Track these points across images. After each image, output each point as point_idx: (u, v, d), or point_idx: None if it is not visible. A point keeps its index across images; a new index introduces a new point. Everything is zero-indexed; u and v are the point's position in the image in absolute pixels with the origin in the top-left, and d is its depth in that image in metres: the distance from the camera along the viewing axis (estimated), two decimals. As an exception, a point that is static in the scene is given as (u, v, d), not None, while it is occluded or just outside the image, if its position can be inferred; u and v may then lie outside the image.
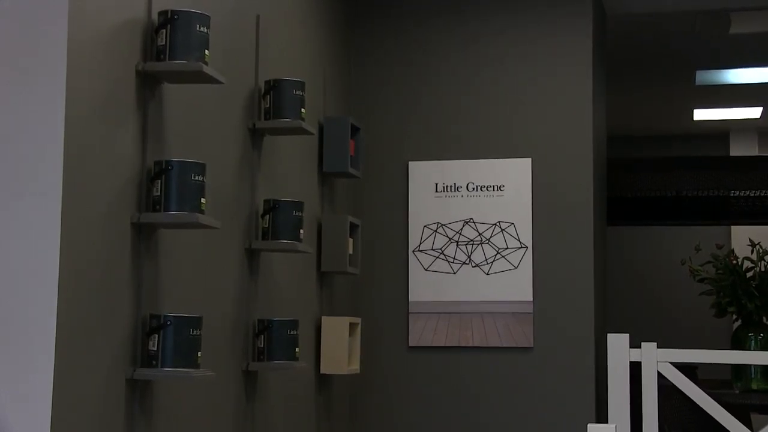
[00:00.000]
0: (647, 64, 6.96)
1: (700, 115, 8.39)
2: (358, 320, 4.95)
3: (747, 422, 5.71)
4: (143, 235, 3.23)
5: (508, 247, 5.19)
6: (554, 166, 5.21)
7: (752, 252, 5.54)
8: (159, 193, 3.17)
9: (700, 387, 5.97)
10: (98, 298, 2.98)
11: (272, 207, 4.02)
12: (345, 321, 4.74)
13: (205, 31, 3.25)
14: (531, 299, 5.13)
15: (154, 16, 3.30)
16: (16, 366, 2.74)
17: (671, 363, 5.82)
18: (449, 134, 5.36)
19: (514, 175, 5.22)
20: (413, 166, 5.34)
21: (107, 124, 3.06)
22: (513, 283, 5.15)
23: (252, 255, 4.09)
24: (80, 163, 2.91)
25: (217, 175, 3.79)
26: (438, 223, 5.28)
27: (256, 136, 4.17)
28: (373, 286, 5.35)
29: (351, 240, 4.96)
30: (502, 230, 5.21)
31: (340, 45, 5.28)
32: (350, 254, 4.95)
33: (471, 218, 5.24)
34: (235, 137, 3.96)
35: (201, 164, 3.22)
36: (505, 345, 5.11)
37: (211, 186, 3.74)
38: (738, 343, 5.47)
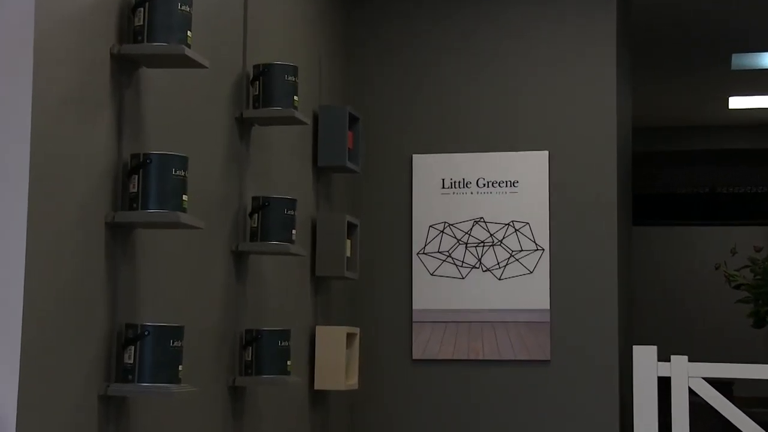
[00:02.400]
0: (677, 48, 6.94)
1: (736, 103, 8.37)
2: (357, 330, 4.96)
3: (787, 444, 5.71)
4: (119, 235, 3.24)
5: (522, 250, 5.19)
6: (574, 159, 5.21)
7: (794, 255, 5.61)
8: (136, 190, 3.17)
9: (735, 405, 5.95)
10: (68, 306, 2.97)
11: (262, 205, 4.02)
12: (342, 331, 4.75)
13: (188, 10, 3.24)
14: (548, 307, 5.13)
15: (131, -6, 3.33)
16: (-23, 381, 2.74)
17: (704, 378, 5.81)
18: (457, 124, 5.36)
19: (530, 169, 5.22)
20: (417, 159, 5.34)
21: (78, 114, 3.06)
22: (528, 290, 5.15)
23: (239, 258, 4.09)
24: (48, 157, 2.91)
25: (200, 170, 3.79)
26: (445, 222, 5.28)
27: (243, 126, 4.17)
28: (374, 293, 5.36)
29: (349, 241, 4.97)
30: (515, 231, 5.21)
31: (337, 26, 5.28)
32: (348, 257, 4.96)
33: (481, 217, 5.25)
34: (221, 128, 3.96)
35: (183, 158, 3.23)
36: (519, 358, 5.11)
37: (194, 182, 3.74)
38: (778, 356, 5.51)
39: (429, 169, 5.32)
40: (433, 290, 5.25)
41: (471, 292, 5.20)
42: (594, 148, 5.18)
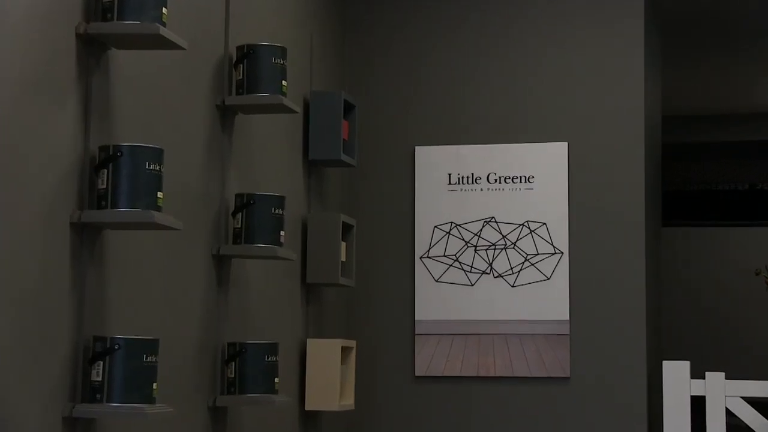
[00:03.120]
0: (713, 27, 6.92)
1: (778, 89, 8.34)
2: (353, 344, 4.97)
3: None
4: (86, 237, 3.23)
5: (538, 253, 5.19)
6: (596, 152, 5.22)
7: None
8: (105, 186, 3.17)
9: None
10: (28, 317, 2.96)
11: (246, 203, 4.03)
12: (336, 345, 4.76)
13: (163, -16, 3.27)
14: (567, 318, 5.14)
15: (99, -34, 3.32)
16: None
17: (742, 398, 5.81)
18: (466, 113, 5.37)
19: (547, 163, 5.22)
20: (421, 152, 5.35)
21: (40, 101, 3.03)
22: (545, 298, 5.15)
23: (221, 262, 4.10)
24: (6, 149, 2.90)
25: (177, 164, 3.79)
26: (452, 223, 5.29)
27: (226, 115, 4.17)
28: (372, 302, 5.37)
29: (344, 244, 4.97)
30: (531, 232, 5.22)
31: (331, 2, 5.28)
32: (343, 262, 4.96)
33: (492, 217, 5.25)
34: (200, 117, 3.96)
35: (157, 150, 3.22)
36: (535, 375, 5.13)
37: (171, 177, 3.74)
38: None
39: (434, 163, 5.33)
40: (439, 299, 5.26)
41: (481, 300, 5.21)
42: (619, 140, 5.19)
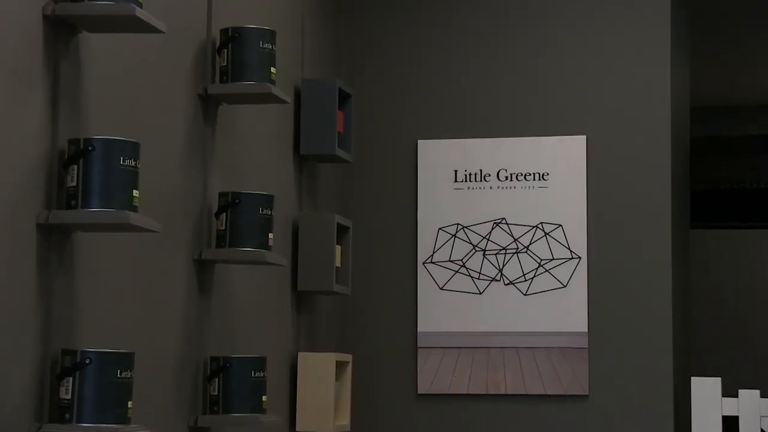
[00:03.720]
0: (746, 12, 6.92)
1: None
2: (349, 358, 4.97)
3: None
4: (54, 240, 3.23)
5: (553, 258, 5.20)
6: (618, 146, 5.23)
7: None
8: (75, 184, 3.17)
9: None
10: (-9, 328, 2.99)
11: (231, 202, 4.03)
12: (331, 359, 4.77)
13: (139, -40, 3.26)
14: (585, 330, 5.15)
15: (69, -59, 3.32)
16: None
17: (778, 417, 5.83)
18: (473, 103, 5.37)
19: (563, 158, 5.23)
20: (424, 146, 5.36)
21: (3, 90, 3.00)
22: (561, 308, 5.17)
23: (203, 268, 4.10)
24: (-33, 141, 2.90)
25: (155, 159, 3.79)
26: (458, 225, 5.30)
27: (208, 105, 4.17)
28: (370, 311, 5.38)
29: (339, 248, 4.98)
30: (545, 235, 5.23)
31: (324, -19, 5.32)
32: (338, 267, 4.97)
33: (503, 218, 5.26)
34: (181, 107, 3.96)
35: (133, 144, 3.22)
36: (550, 393, 5.13)
37: (148, 174, 3.75)
38: None
39: (438, 159, 5.34)
40: (444, 308, 5.26)
41: (490, 310, 5.22)
42: (642, 133, 5.20)
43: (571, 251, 5.19)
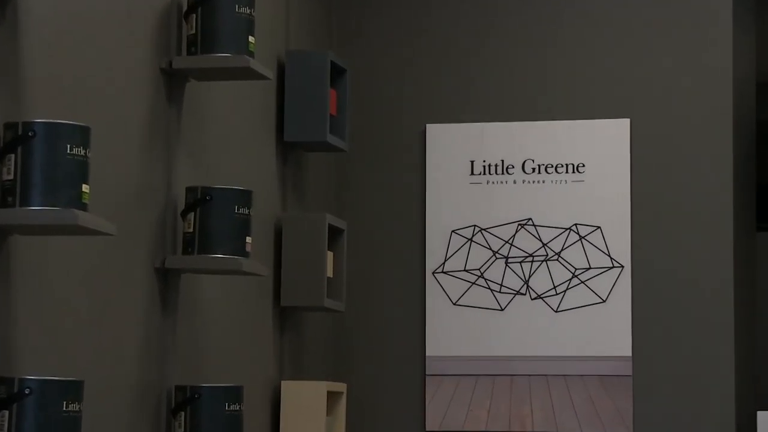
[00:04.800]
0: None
1: None
2: (343, 387, 4.97)
3: None
4: (-15, 246, 3.20)
5: (590, 267, 5.20)
6: (669, 131, 5.22)
7: None
8: (12, 177, 3.15)
9: None
10: None
11: (200, 199, 4.02)
12: (321, 389, 4.76)
13: None
14: (629, 354, 5.14)
15: None
16: None
17: None
18: (493, 79, 5.37)
19: (602, 146, 5.23)
20: (434, 132, 5.35)
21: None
22: (600, 327, 5.16)
23: (167, 279, 4.09)
24: None
25: (109, 147, 3.78)
26: (475, 226, 5.29)
27: (173, 81, 4.16)
28: (368, 332, 5.38)
29: (331, 255, 4.97)
30: (580, 238, 5.22)
31: (313, -69, 5.30)
32: (330, 278, 4.96)
33: (529, 219, 5.26)
34: (140, 84, 3.95)
35: (82, 128, 3.19)
36: (587, 430, 5.12)
37: (101, 165, 3.73)
38: None
39: (451, 147, 5.33)
40: (457, 328, 5.25)
41: (514, 330, 5.21)
42: (698, 115, 5.20)
43: (611, 259, 5.18)
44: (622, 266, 5.18)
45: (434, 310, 5.29)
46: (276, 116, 4.89)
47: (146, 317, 3.96)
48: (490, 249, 5.27)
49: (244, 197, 4.06)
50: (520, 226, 5.26)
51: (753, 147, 5.86)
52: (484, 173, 5.29)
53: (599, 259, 5.19)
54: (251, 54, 4.10)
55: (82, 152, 3.19)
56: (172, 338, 4.10)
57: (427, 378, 5.27)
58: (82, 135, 3.19)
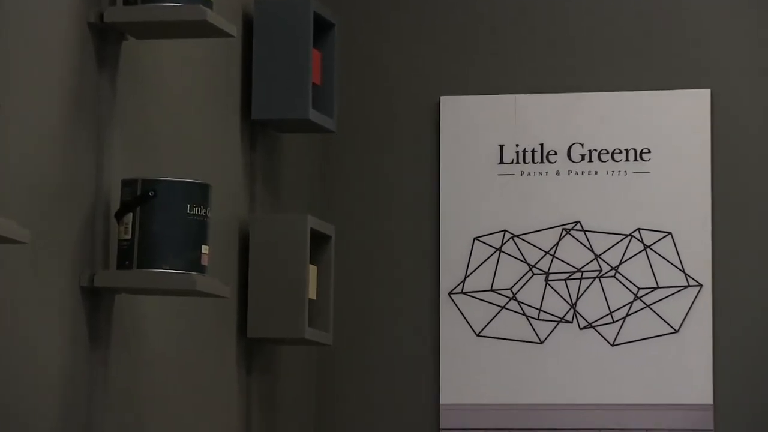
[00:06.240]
0: None
1: None
2: (331, 447, 4.96)
3: None
4: None
5: (659, 287, 5.22)
6: (761, 105, 5.23)
7: None
8: None
9: None
10: None
11: (141, 196, 4.00)
12: (301, 449, 4.75)
13: None
14: (710, 401, 5.16)
15: None
16: None
17: None
18: (528, 37, 5.39)
19: (675, 126, 5.26)
20: (451, 106, 5.38)
21: None
22: (671, 366, 5.18)
23: (96, 300, 4.07)
24: None
25: (21, 127, 3.75)
26: (505, 232, 5.32)
27: (105, 40, 4.15)
28: (363, 372, 5.40)
29: (314, 270, 4.97)
30: (645, 248, 5.24)
31: None
32: (312, 300, 4.97)
33: (577, 222, 5.29)
34: (60, 44, 3.92)
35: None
36: (652, 501, 5.16)
37: (7, 152, 3.70)
38: None
39: (473, 127, 5.36)
40: (482, 366, 5.29)
41: (557, 369, 5.24)
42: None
43: (686, 275, 5.21)
44: (701, 285, 5.21)
45: (451, 343, 5.31)
46: (241, 86, 4.92)
47: (69, 350, 3.93)
48: (526, 262, 5.31)
49: (200, 193, 4.04)
50: (564, 232, 5.29)
51: None
52: (517, 161, 5.33)
53: (670, 276, 5.22)
54: (208, 4, 4.10)
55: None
56: (101, 381, 4.08)
57: (442, 433, 5.27)
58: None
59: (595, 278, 5.26)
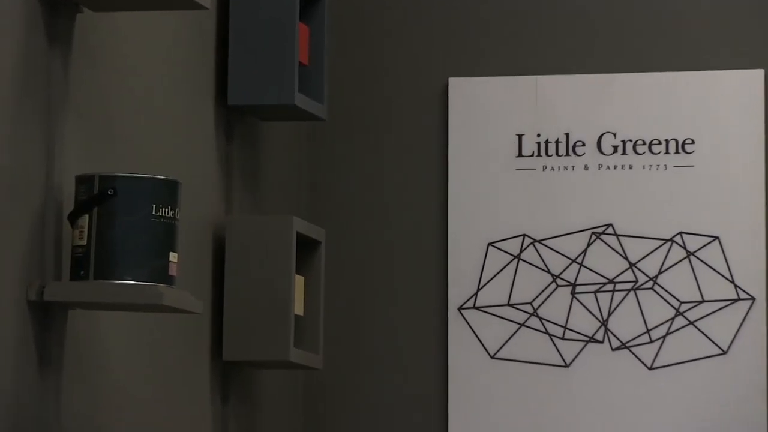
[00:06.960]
0: None
1: None
2: (321, 488, 4.94)
3: None
4: None
5: (704, 300, 5.21)
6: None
7: None
8: None
9: None
10: None
11: (99, 195, 3.96)
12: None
13: None
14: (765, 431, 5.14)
15: None
16: None
17: None
18: (551, 11, 5.37)
19: (724, 112, 5.23)
20: (460, 88, 5.38)
21: None
22: (719, 391, 5.16)
23: (47, 316, 4.04)
24: None
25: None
26: (524, 236, 5.32)
27: (57, 12, 4.11)
28: (358, 400, 5.39)
29: (301, 281, 4.95)
30: (688, 255, 5.23)
31: None
32: (299, 317, 4.96)
33: (609, 225, 5.28)
34: (4, 17, 3.88)
35: None
36: None
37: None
38: None
39: (487, 113, 5.34)
40: (498, 393, 5.27)
41: (585, 397, 5.23)
42: None
43: (736, 287, 5.21)
44: (753, 299, 5.20)
45: (462, 365, 5.31)
46: (216, 67, 4.91)
47: (12, 375, 3.89)
48: (549, 272, 5.30)
49: (167, 192, 4.01)
50: (594, 237, 5.29)
51: None
52: (539, 154, 5.33)
53: (718, 288, 5.21)
54: (177, -33, 4.07)
55: None
56: (53, 409, 4.06)
57: (451, 472, 5.28)
58: None
59: (629, 291, 5.26)
